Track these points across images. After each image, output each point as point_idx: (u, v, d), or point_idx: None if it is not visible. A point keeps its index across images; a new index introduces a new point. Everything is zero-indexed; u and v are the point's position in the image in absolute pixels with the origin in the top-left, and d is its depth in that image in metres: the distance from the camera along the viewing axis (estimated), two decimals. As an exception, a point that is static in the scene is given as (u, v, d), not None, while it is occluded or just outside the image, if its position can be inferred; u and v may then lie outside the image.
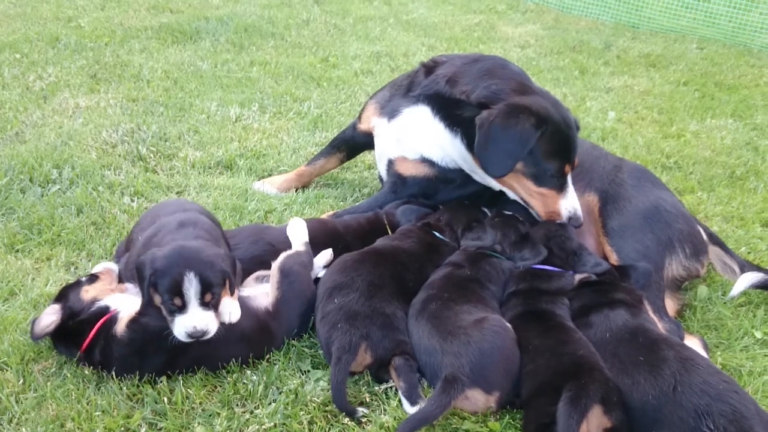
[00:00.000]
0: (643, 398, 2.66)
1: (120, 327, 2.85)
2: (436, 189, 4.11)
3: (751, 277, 3.72)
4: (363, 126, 4.46)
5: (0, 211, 4.04)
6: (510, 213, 3.81)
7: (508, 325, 2.97)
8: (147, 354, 2.86)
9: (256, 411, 2.76)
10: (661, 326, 3.30)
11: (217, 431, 2.66)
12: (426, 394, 2.85)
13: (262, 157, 5.00)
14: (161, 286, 2.78)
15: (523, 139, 3.57)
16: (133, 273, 2.94)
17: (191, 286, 2.76)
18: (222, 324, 2.88)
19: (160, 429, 2.69)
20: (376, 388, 2.93)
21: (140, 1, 9.09)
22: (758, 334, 3.47)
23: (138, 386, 2.84)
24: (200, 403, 2.79)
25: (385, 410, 2.81)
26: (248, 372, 2.94)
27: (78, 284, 3.10)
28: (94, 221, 3.98)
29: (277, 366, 2.99)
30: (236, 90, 6.29)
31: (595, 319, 3.10)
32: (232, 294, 2.96)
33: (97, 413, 2.69)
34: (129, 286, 3.22)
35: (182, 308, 2.77)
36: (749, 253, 4.19)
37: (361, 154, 4.90)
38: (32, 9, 8.41)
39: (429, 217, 3.82)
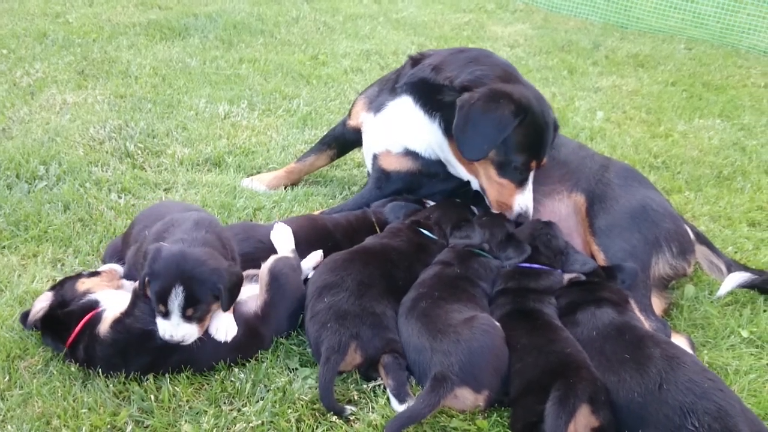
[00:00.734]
0: (629, 396, 2.67)
1: (103, 327, 2.83)
2: (420, 183, 4.12)
3: (738, 277, 3.75)
4: (352, 122, 4.47)
5: (-14, 208, 4.01)
6: (498, 212, 3.82)
7: (497, 324, 2.97)
8: (131, 355, 2.84)
9: (244, 409, 2.75)
10: (647, 325, 3.31)
11: (205, 429, 2.65)
12: (414, 392, 2.86)
13: (251, 155, 4.98)
14: (152, 288, 2.78)
15: (501, 124, 3.59)
16: (141, 264, 2.94)
17: (176, 299, 2.74)
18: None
19: (147, 427, 2.68)
20: (365, 385, 2.93)
21: (128, -3, 9.05)
22: (744, 333, 3.48)
23: (125, 384, 2.82)
24: (187, 401, 2.78)
25: (373, 408, 2.81)
26: (236, 370, 2.93)
27: (78, 276, 3.10)
28: (81, 218, 3.96)
29: (265, 364, 2.98)
30: (225, 87, 6.27)
31: (582, 317, 3.11)
32: (226, 310, 2.94)
33: (84, 411, 2.68)
34: (126, 283, 3.21)
35: (165, 315, 2.77)
36: (736, 252, 4.21)
37: (350, 153, 4.89)
38: (19, 4, 8.36)
39: (417, 215, 3.82)
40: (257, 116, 5.68)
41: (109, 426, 2.65)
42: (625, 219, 3.70)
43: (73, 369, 2.86)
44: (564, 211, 3.90)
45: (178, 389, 2.80)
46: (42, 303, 2.95)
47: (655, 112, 6.64)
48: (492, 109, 3.59)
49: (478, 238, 3.56)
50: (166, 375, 2.85)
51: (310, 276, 3.37)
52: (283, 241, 3.45)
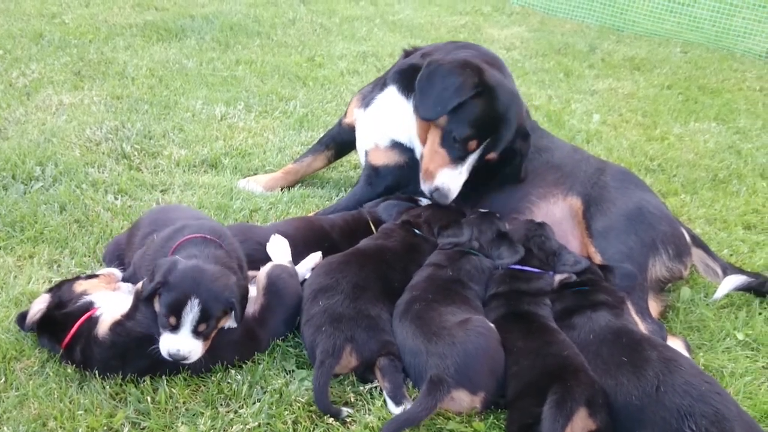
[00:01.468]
0: (627, 399, 2.68)
1: (102, 329, 2.82)
2: (408, 178, 4.14)
3: (734, 280, 3.76)
4: (347, 120, 4.53)
5: (-18, 208, 4.00)
6: (487, 210, 3.81)
7: (492, 326, 2.97)
8: (129, 358, 2.83)
9: (241, 410, 2.75)
10: (644, 327, 3.32)
11: (201, 431, 2.64)
12: (411, 395, 2.86)
13: (248, 156, 4.98)
14: (164, 299, 2.76)
15: (458, 90, 3.63)
16: (148, 268, 2.94)
17: (190, 312, 2.73)
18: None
19: (144, 428, 2.67)
20: (361, 388, 2.93)
21: (125, -2, 9.04)
22: (740, 336, 3.50)
23: (121, 385, 2.82)
24: (184, 403, 2.78)
25: (369, 410, 2.81)
26: (232, 372, 2.93)
27: (75, 279, 3.10)
28: (77, 219, 3.95)
29: (262, 366, 2.98)
30: (222, 88, 6.27)
31: (578, 320, 3.12)
32: (239, 322, 2.95)
33: (80, 412, 2.67)
34: (123, 286, 3.20)
35: (174, 328, 2.75)
36: (731, 255, 4.23)
37: (346, 155, 4.90)
38: (15, 5, 8.33)
39: (409, 213, 3.82)
40: (254, 118, 5.68)
41: (105, 428, 2.64)
42: (622, 221, 3.70)
43: (69, 370, 2.85)
44: (558, 214, 3.90)
45: (174, 391, 2.79)
46: (39, 305, 2.94)
47: (651, 115, 6.66)
48: (455, 73, 3.66)
49: (465, 237, 3.55)
50: (163, 377, 2.85)
51: (307, 278, 3.37)
52: (280, 252, 3.44)
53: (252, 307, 3.10)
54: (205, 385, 2.87)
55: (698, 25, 9.68)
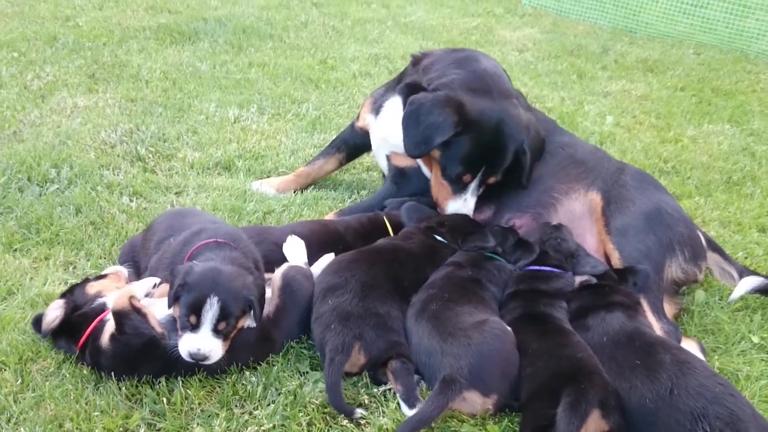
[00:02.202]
0: (640, 402, 2.67)
1: (104, 339, 2.83)
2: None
3: (750, 282, 3.74)
4: (360, 123, 4.54)
5: (-2, 210, 4.04)
6: (508, 226, 3.84)
7: (508, 328, 2.97)
8: (138, 363, 2.85)
9: (255, 412, 2.76)
10: (659, 327, 3.32)
11: (216, 432, 2.66)
12: (424, 397, 2.86)
13: (261, 159, 5.00)
14: (184, 300, 2.79)
15: (438, 130, 3.70)
16: (167, 272, 2.99)
17: (210, 310, 2.76)
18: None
19: (159, 429, 2.69)
20: (375, 390, 2.93)
21: (138, 1, 9.08)
22: (755, 339, 3.48)
23: (137, 386, 2.84)
24: (199, 404, 2.79)
25: (383, 412, 2.82)
26: (247, 373, 2.94)
27: (86, 281, 3.12)
28: (92, 221, 3.98)
29: (276, 367, 2.99)
30: (235, 91, 6.29)
31: (592, 322, 3.11)
32: (258, 321, 2.97)
33: (96, 413, 2.69)
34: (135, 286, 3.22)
35: (195, 327, 2.77)
36: (746, 258, 4.21)
37: (358, 157, 4.92)
38: (30, 8, 8.39)
39: (432, 219, 3.83)
40: (267, 120, 5.70)
41: (121, 429, 2.66)
42: (640, 220, 3.70)
43: (85, 372, 2.87)
44: (579, 210, 3.91)
45: (190, 392, 2.81)
46: (55, 311, 2.95)
47: (665, 117, 6.64)
48: (436, 113, 3.71)
49: (491, 243, 3.57)
50: (178, 378, 2.86)
51: None
52: (296, 253, 3.47)
53: (267, 308, 3.11)
54: (220, 387, 2.89)
55: (711, 27, 9.63)
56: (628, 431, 2.65)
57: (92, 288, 3.08)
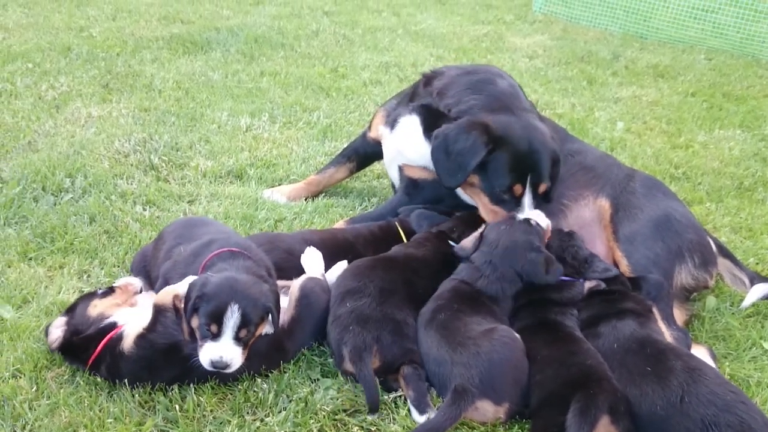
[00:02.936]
0: (651, 409, 2.67)
1: (127, 343, 2.86)
2: (445, 191, 4.15)
3: (762, 289, 3.74)
4: (372, 134, 4.54)
5: (13, 220, 4.08)
6: None
7: (517, 335, 2.98)
8: (158, 368, 2.88)
9: (267, 419, 2.78)
10: (668, 334, 3.31)
11: (228, 439, 2.69)
12: (435, 404, 2.87)
13: (272, 167, 5.03)
14: (203, 309, 2.81)
15: (471, 152, 3.65)
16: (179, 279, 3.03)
17: (231, 317, 2.79)
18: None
19: (172, 436, 2.72)
20: (386, 396, 2.94)
21: (151, 12, 9.17)
22: (766, 345, 3.46)
23: (150, 394, 2.86)
24: (211, 411, 2.81)
25: (394, 419, 2.83)
26: (258, 380, 2.96)
27: (91, 296, 3.14)
28: (106, 230, 4.02)
29: (287, 374, 3.01)
30: (246, 100, 6.34)
31: (604, 329, 3.11)
32: (277, 327, 3.01)
33: (110, 420, 2.72)
34: (140, 299, 3.26)
35: (215, 336, 2.80)
36: (758, 263, 4.19)
37: (369, 166, 4.94)
38: (44, 19, 8.49)
39: (442, 225, 3.84)
40: (278, 129, 5.74)
41: (134, 435, 2.69)
42: (649, 228, 3.70)
43: (99, 380, 2.90)
44: (588, 216, 3.92)
45: (202, 399, 2.83)
46: (56, 332, 2.97)
47: (676, 123, 6.63)
48: (463, 139, 3.68)
49: None
50: (191, 385, 2.89)
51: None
52: (314, 264, 3.50)
53: (282, 318, 3.14)
54: (231, 394, 2.91)
55: (722, 32, 9.60)
56: (638, 438, 2.65)
57: (94, 308, 3.08)
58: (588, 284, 3.40)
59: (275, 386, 2.93)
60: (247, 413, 2.82)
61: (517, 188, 3.70)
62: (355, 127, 5.83)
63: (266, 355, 3.02)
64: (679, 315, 3.55)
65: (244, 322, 2.81)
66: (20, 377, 2.91)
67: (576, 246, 3.58)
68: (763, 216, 4.78)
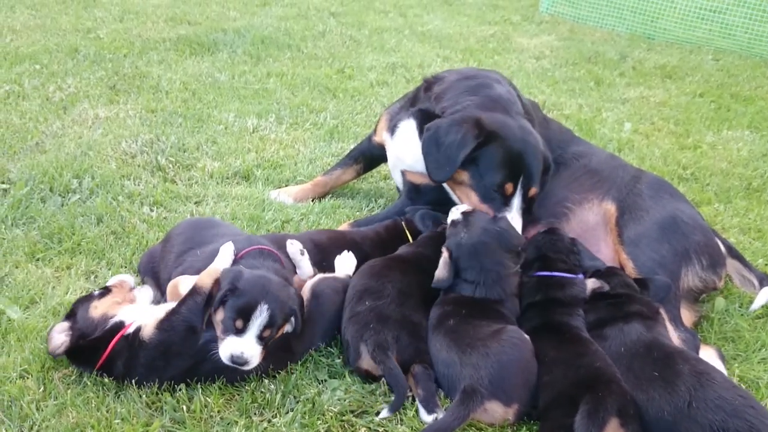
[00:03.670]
0: (659, 414, 2.66)
1: (148, 331, 2.87)
2: (447, 195, 4.14)
3: (771, 291, 3.72)
4: (377, 138, 4.54)
5: (21, 221, 4.08)
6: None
7: (526, 336, 2.97)
8: (173, 357, 2.88)
9: (274, 420, 2.78)
10: (676, 336, 3.30)
11: (235, 440, 2.68)
12: (443, 405, 2.87)
13: (279, 168, 5.04)
14: (232, 303, 2.83)
15: (460, 144, 3.59)
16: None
17: (260, 316, 2.82)
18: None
19: (179, 437, 2.72)
20: (393, 397, 2.93)
21: (158, 13, 9.19)
22: (776, 347, 3.45)
23: (157, 394, 2.86)
24: (218, 412, 2.81)
25: (401, 420, 2.82)
26: (266, 381, 2.96)
27: (89, 299, 3.10)
28: (113, 230, 4.03)
29: (295, 375, 3.01)
30: (253, 101, 6.34)
31: (610, 332, 3.09)
32: (299, 330, 3.02)
33: (117, 421, 2.72)
34: (137, 295, 3.25)
35: (240, 332, 2.82)
36: (766, 264, 4.18)
37: (376, 167, 4.94)
38: (51, 20, 8.51)
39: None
40: (285, 130, 5.74)
41: (141, 436, 2.69)
42: (654, 230, 3.69)
43: (106, 380, 2.90)
44: (593, 220, 3.90)
45: (209, 400, 2.83)
46: (61, 336, 2.94)
47: (684, 124, 6.61)
48: (453, 131, 3.63)
49: None
50: (198, 385, 2.89)
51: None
52: (345, 266, 3.53)
53: None
54: (239, 395, 2.91)
55: (730, 32, 9.58)
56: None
57: (96, 310, 3.04)
58: (590, 284, 3.38)
59: (282, 387, 2.93)
60: (255, 414, 2.82)
61: (509, 187, 3.63)
62: (361, 128, 5.83)
63: (274, 355, 3.01)
64: (687, 316, 3.54)
65: (270, 323, 2.84)
66: (28, 378, 2.91)
67: (552, 239, 3.56)
68: (772, 217, 4.76)
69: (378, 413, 2.86)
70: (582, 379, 2.74)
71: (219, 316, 2.88)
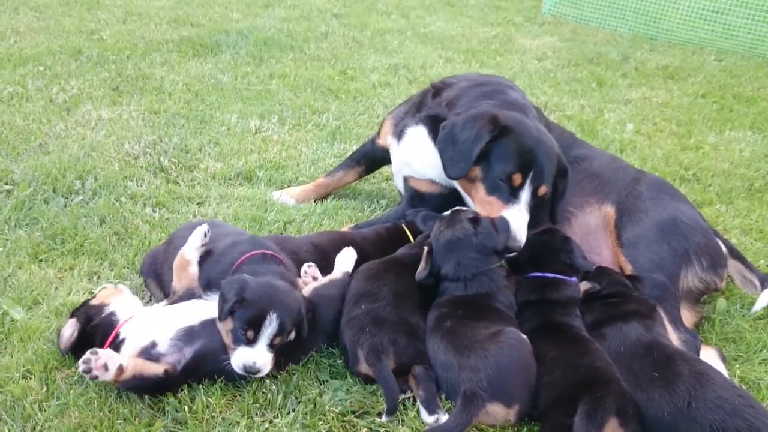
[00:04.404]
0: (658, 415, 2.67)
1: None
2: (451, 202, 4.13)
3: (772, 294, 3.72)
4: (381, 141, 4.54)
5: (24, 221, 4.10)
6: None
7: (525, 337, 2.98)
8: None
9: (275, 420, 2.79)
10: (676, 336, 3.30)
11: (237, 440, 2.69)
12: (444, 406, 2.87)
13: (282, 169, 5.05)
14: (241, 315, 2.85)
15: (475, 139, 3.58)
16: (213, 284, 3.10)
17: (269, 325, 2.84)
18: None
19: (181, 437, 2.73)
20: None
21: (161, 15, 9.20)
22: (777, 348, 3.46)
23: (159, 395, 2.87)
24: (220, 412, 2.82)
25: (402, 421, 2.83)
26: (267, 382, 2.96)
27: (85, 302, 3.18)
28: (116, 231, 4.04)
29: (296, 376, 3.02)
30: (256, 102, 6.35)
31: (609, 332, 3.11)
32: (305, 336, 3.04)
33: (119, 421, 2.73)
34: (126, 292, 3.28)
35: (251, 342, 2.84)
36: (768, 266, 4.18)
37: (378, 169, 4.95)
38: (55, 22, 8.53)
39: None
40: (287, 131, 5.75)
41: (144, 436, 2.70)
42: (653, 231, 3.68)
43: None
44: (594, 223, 3.90)
45: (211, 400, 2.84)
46: (70, 329, 3.00)
47: (686, 124, 6.61)
48: (469, 127, 3.63)
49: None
50: (200, 386, 2.89)
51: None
52: (345, 262, 3.52)
53: None
54: (240, 395, 2.92)
55: (733, 33, 9.58)
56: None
57: (96, 300, 3.15)
58: (583, 286, 3.39)
59: (284, 387, 2.94)
60: (256, 414, 2.82)
61: (517, 177, 3.57)
62: (364, 129, 5.84)
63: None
64: (689, 317, 3.54)
65: (280, 330, 2.86)
66: (30, 378, 2.93)
67: (542, 240, 3.58)
68: (774, 218, 4.76)
69: (379, 414, 2.87)
70: (581, 379, 2.75)
71: (227, 326, 2.89)
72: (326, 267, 3.53)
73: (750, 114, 6.95)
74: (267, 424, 2.77)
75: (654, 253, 3.61)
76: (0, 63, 6.84)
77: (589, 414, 2.55)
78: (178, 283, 3.20)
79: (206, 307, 3.03)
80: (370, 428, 2.79)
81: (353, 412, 2.86)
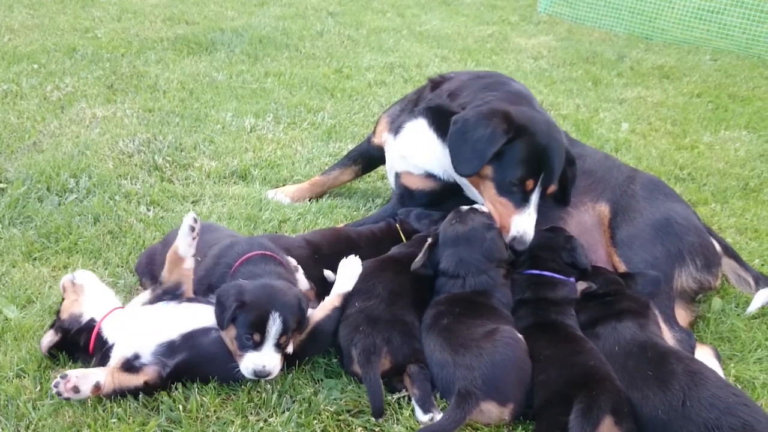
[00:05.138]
0: (653, 413, 2.67)
1: None
2: (441, 199, 4.13)
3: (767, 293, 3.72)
4: (376, 140, 4.53)
5: (18, 220, 4.09)
6: None
7: (520, 335, 2.98)
8: None
9: (270, 419, 2.78)
10: (671, 335, 3.31)
11: (231, 439, 2.69)
12: (439, 404, 2.87)
13: (277, 167, 5.04)
14: (243, 320, 2.83)
15: (490, 139, 3.55)
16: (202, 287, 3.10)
17: (274, 325, 2.82)
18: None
19: (175, 436, 2.72)
20: (389, 397, 2.94)
21: (156, 13, 9.18)
22: (772, 347, 3.46)
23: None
24: (214, 411, 2.81)
25: (397, 420, 2.83)
26: (262, 381, 2.96)
27: (57, 315, 3.14)
28: (110, 230, 4.03)
29: (291, 375, 3.01)
30: (251, 100, 6.34)
31: (603, 331, 3.11)
32: (301, 332, 3.03)
33: (113, 420, 2.72)
34: (80, 279, 3.22)
35: (257, 345, 2.82)
36: (763, 265, 4.19)
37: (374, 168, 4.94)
38: (49, 20, 8.50)
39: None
40: (282, 129, 5.74)
41: (138, 435, 2.70)
42: (647, 231, 3.68)
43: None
44: (589, 222, 3.89)
45: (205, 399, 2.83)
46: (48, 337, 3.02)
47: (681, 124, 6.62)
48: (483, 125, 3.59)
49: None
50: (195, 385, 2.89)
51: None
52: (348, 275, 3.34)
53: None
54: (235, 394, 2.91)
55: (728, 33, 9.59)
56: (641, 439, 2.65)
57: (64, 313, 3.08)
58: (579, 287, 3.39)
59: (279, 387, 2.93)
60: (251, 414, 2.82)
61: (529, 183, 3.60)
62: (359, 128, 5.83)
63: None
64: (684, 316, 3.55)
65: (285, 329, 2.85)
66: (24, 377, 2.92)
67: (547, 237, 3.58)
68: (769, 217, 4.77)
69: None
70: (576, 378, 2.75)
71: (231, 333, 2.87)
72: (319, 261, 3.53)
73: (745, 113, 6.96)
74: (262, 423, 2.77)
75: (648, 253, 3.61)
76: (-6, 61, 6.81)
77: (584, 412, 2.55)
78: (168, 276, 3.14)
79: (186, 318, 2.97)
80: (365, 427, 2.79)
81: (348, 411, 2.86)
